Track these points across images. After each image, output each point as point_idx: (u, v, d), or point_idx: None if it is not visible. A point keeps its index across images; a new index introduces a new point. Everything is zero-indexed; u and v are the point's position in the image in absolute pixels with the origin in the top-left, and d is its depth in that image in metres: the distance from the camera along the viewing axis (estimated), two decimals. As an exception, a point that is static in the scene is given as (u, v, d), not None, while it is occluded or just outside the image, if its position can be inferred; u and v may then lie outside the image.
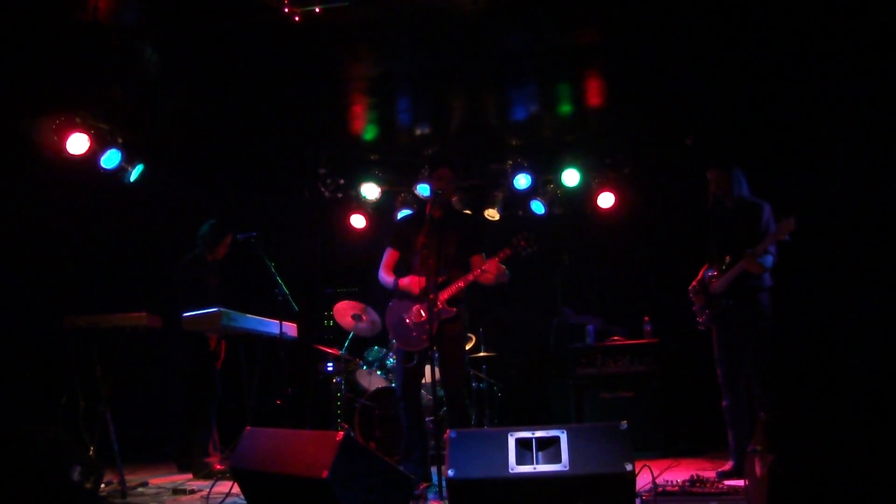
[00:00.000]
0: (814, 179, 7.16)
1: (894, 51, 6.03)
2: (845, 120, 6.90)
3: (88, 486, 4.58)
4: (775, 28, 5.97)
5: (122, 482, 5.24)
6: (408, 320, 5.30)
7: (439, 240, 5.31)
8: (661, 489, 4.55)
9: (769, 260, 5.29)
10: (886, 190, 6.57)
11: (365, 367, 7.42)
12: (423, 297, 5.16)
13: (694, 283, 5.72)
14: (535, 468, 3.72)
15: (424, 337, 5.11)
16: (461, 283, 5.27)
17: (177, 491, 5.46)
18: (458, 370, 5.31)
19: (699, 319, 5.63)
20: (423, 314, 5.20)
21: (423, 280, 5.18)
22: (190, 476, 6.21)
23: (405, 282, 5.36)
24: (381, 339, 7.61)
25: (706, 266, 5.71)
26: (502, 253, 5.20)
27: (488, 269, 5.20)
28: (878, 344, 6.52)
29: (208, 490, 5.08)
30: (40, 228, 7.40)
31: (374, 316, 7.30)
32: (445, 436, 3.93)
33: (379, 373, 7.34)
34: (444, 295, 5.25)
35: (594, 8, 5.80)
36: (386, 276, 5.53)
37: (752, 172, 5.61)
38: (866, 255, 6.74)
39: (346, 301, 7.39)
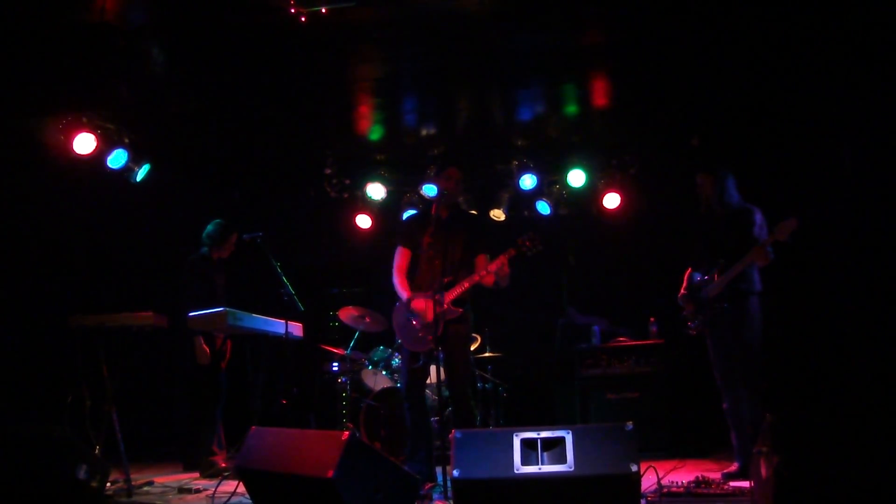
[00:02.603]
0: (819, 180, 7.15)
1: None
2: (849, 121, 6.88)
3: (94, 484, 4.59)
4: (781, 28, 5.95)
5: (127, 481, 5.26)
6: (414, 321, 5.30)
7: (445, 240, 5.30)
8: (666, 490, 4.55)
9: (770, 251, 5.29)
10: (890, 189, 6.56)
11: (370, 367, 7.43)
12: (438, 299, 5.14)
13: (682, 290, 5.72)
14: (540, 469, 3.72)
15: (430, 338, 5.10)
16: (466, 284, 5.25)
17: (182, 490, 5.48)
18: (463, 370, 5.31)
19: (689, 324, 5.63)
20: (432, 313, 5.18)
21: (432, 310, 5.07)
22: (195, 475, 6.24)
23: (418, 307, 5.30)
24: (386, 339, 7.62)
25: (690, 271, 5.72)
26: (507, 253, 5.19)
27: (493, 270, 5.19)
28: (885, 344, 6.50)
29: (214, 489, 5.10)
30: (47, 228, 7.42)
31: (378, 317, 7.32)
32: (451, 436, 3.93)
33: (384, 373, 7.35)
34: (450, 296, 5.23)
35: (600, 8, 5.79)
36: (400, 288, 5.46)
37: (757, 174, 5.60)
38: (870, 255, 6.72)
39: (349, 307, 7.40)
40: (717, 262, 5.44)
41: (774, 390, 5.44)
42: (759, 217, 5.46)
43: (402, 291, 5.44)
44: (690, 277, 5.73)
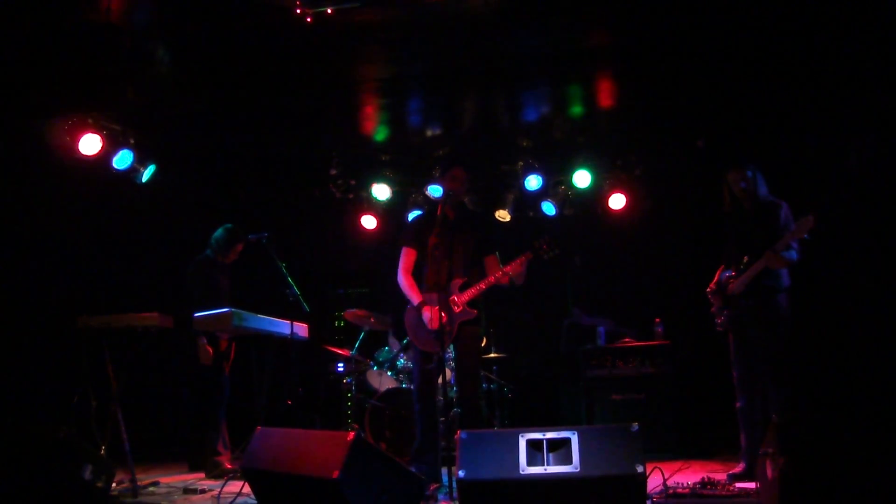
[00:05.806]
0: (828, 178, 7.12)
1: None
2: (856, 116, 6.86)
3: (100, 485, 4.59)
4: (786, 26, 5.94)
5: (133, 481, 5.26)
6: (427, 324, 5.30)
7: (452, 241, 5.31)
8: (671, 491, 4.54)
9: (793, 254, 5.25)
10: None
11: (375, 368, 7.43)
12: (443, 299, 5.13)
13: (711, 284, 5.68)
14: (545, 469, 3.72)
15: (444, 338, 5.08)
16: (482, 286, 5.27)
17: (188, 490, 5.48)
18: (474, 371, 5.32)
19: (717, 321, 5.59)
20: (444, 316, 5.18)
21: (443, 316, 4.97)
22: (201, 475, 6.24)
23: (426, 317, 5.29)
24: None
25: (722, 267, 5.68)
26: (524, 256, 5.19)
27: (509, 272, 5.20)
28: (889, 345, 6.47)
29: (219, 489, 5.10)
30: (53, 228, 7.43)
31: (383, 317, 7.32)
32: (456, 436, 3.92)
33: (389, 373, 7.35)
34: (465, 297, 5.25)
35: (606, 9, 5.79)
36: (410, 292, 5.44)
37: (765, 172, 5.58)
38: (883, 254, 6.69)
39: (354, 310, 7.41)
40: (742, 258, 5.40)
41: (802, 391, 5.39)
42: (784, 210, 5.39)
43: (413, 296, 5.42)
44: (722, 274, 5.67)
